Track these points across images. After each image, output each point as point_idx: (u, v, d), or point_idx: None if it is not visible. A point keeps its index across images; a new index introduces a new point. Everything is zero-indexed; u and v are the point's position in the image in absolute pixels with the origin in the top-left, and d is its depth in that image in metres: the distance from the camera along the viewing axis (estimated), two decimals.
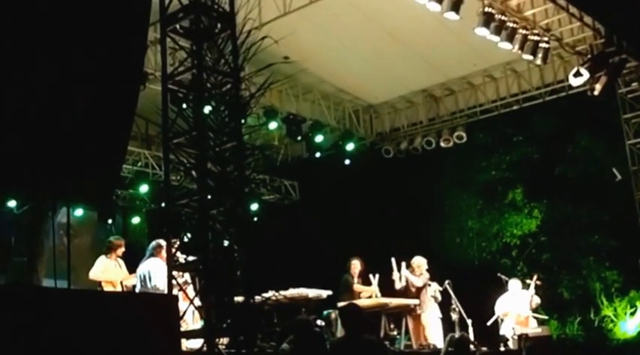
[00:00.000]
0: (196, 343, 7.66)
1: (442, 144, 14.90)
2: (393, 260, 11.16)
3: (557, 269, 16.08)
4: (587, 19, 11.96)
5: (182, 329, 7.26)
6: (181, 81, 7.51)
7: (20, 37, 6.54)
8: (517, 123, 15.91)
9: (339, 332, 9.91)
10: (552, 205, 16.44)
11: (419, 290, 11.13)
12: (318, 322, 9.91)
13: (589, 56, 12.21)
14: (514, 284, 11.95)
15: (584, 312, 15.97)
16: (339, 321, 10.29)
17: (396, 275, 11.10)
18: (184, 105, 7.41)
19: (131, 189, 14.44)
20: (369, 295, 10.98)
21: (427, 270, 11.25)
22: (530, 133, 16.58)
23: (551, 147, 16.46)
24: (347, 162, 15.01)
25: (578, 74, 12.06)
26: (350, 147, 14.91)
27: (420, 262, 11.28)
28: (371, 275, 11.10)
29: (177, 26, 7.43)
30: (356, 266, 11.24)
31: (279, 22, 10.78)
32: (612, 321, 15.26)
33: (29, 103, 6.66)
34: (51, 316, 5.18)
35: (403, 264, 11.17)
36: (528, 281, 11.95)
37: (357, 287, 11.10)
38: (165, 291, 7.51)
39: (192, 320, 8.82)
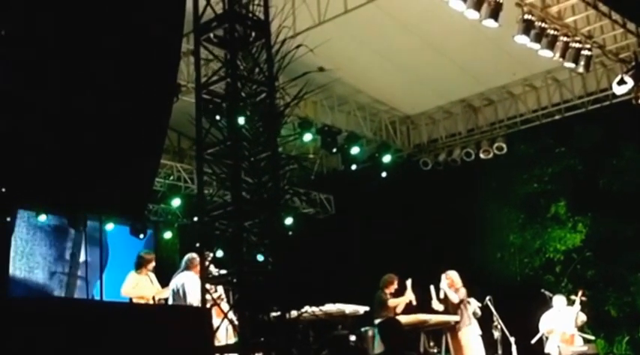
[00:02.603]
0: None
1: (482, 156, 14.81)
2: (432, 287, 11.11)
3: (603, 286, 15.84)
4: (631, 26, 11.83)
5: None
6: (215, 91, 7.59)
7: (54, 50, 6.66)
8: (559, 133, 15.76)
9: (376, 350, 9.88)
10: (597, 219, 16.23)
11: (457, 306, 11.07)
12: (352, 338, 9.89)
13: (633, 63, 12.09)
14: (559, 300, 11.85)
15: (632, 331, 15.74)
16: (375, 339, 10.29)
17: (435, 303, 11.04)
18: (218, 116, 7.49)
19: (163, 203, 14.56)
20: (404, 305, 10.96)
21: (464, 286, 11.20)
22: (573, 144, 16.41)
23: (594, 159, 16.25)
24: (384, 174, 14.97)
25: (622, 82, 11.96)
26: (387, 159, 14.87)
27: (454, 277, 11.23)
28: (407, 282, 11.06)
29: (212, 35, 7.52)
30: (391, 283, 11.21)
31: (314, 31, 10.81)
32: None
33: (62, 116, 6.77)
34: (83, 329, 5.24)
35: (443, 277, 11.11)
36: (573, 297, 11.84)
37: (392, 301, 11.07)
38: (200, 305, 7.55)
39: (225, 337, 8.83)
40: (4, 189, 7.91)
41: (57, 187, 6.98)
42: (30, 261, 12.91)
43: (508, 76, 13.96)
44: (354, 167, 14.87)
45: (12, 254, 12.44)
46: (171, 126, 11.40)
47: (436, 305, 11.02)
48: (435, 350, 10.83)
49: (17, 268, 12.71)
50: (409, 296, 11.07)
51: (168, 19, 7.25)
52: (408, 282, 11.09)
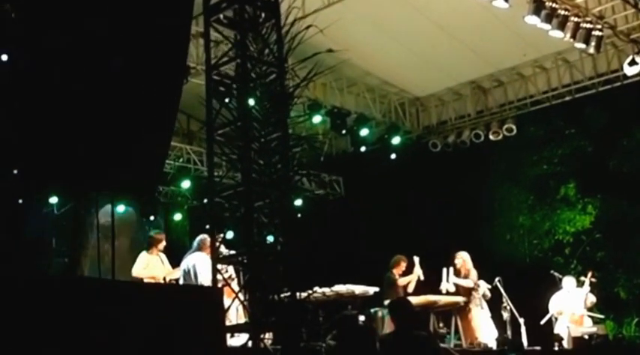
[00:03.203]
0: (238, 341, 7.77)
1: (491, 138, 14.80)
2: (444, 271, 11.14)
3: (612, 267, 15.86)
4: None
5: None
6: (225, 73, 7.63)
7: (64, 32, 6.70)
8: (569, 115, 15.73)
9: (386, 330, 9.94)
10: (607, 201, 16.22)
11: (468, 288, 11.12)
12: (361, 318, 9.95)
13: None
14: (569, 281, 11.88)
15: None
16: (385, 320, 10.35)
17: (444, 285, 11.09)
18: (228, 98, 7.52)
19: (173, 186, 14.59)
20: (415, 282, 11.03)
21: (474, 267, 11.25)
22: (583, 125, 16.38)
23: (605, 140, 16.23)
24: (393, 156, 14.98)
25: (633, 63, 11.94)
26: (396, 141, 14.88)
27: (464, 257, 11.27)
28: (415, 258, 11.13)
29: (221, 16, 7.54)
30: (400, 264, 11.27)
31: (323, 12, 10.82)
32: None
33: (73, 98, 6.82)
34: (95, 307, 5.29)
35: (452, 268, 11.16)
36: (583, 278, 11.87)
37: (402, 280, 11.13)
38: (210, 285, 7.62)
39: (235, 316, 8.91)
40: (15, 172, 7.99)
41: (69, 169, 7.05)
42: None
43: (518, 57, 13.92)
44: (363, 149, 14.87)
45: None
46: (180, 109, 11.44)
47: (445, 287, 11.06)
48: (445, 331, 10.88)
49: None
50: (417, 272, 11.13)
51: (177, 1, 7.28)
52: (416, 259, 11.15)
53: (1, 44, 7.01)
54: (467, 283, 11.07)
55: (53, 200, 12.87)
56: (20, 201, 12.00)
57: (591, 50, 11.82)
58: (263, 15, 7.55)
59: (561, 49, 13.35)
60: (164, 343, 5.58)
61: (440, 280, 11.11)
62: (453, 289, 11.07)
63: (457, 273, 11.16)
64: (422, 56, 13.46)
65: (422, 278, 11.09)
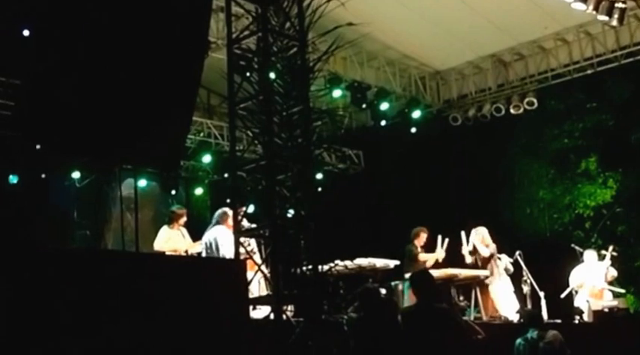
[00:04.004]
0: (260, 313, 7.85)
1: (512, 111, 14.73)
2: (462, 234, 11.19)
3: (633, 241, 15.81)
4: None
5: None
6: (246, 46, 7.63)
7: (91, 9, 6.74)
8: (591, 88, 15.58)
9: (406, 304, 9.99)
10: (628, 174, 16.12)
11: (487, 261, 11.14)
12: (382, 291, 10.00)
13: None
14: (589, 255, 11.87)
15: None
16: (405, 293, 10.41)
17: (465, 248, 11.14)
18: (249, 72, 7.53)
19: (194, 160, 14.64)
20: (434, 261, 11.05)
21: (493, 242, 11.28)
22: (605, 99, 16.25)
23: (627, 114, 16.08)
24: (413, 130, 14.94)
25: None
26: (416, 114, 14.84)
27: (484, 233, 11.30)
28: (439, 237, 11.15)
29: None
30: (421, 236, 11.32)
31: None
32: None
33: (98, 74, 6.86)
34: (118, 279, 5.36)
35: (472, 232, 11.19)
36: (604, 252, 11.85)
37: (422, 256, 11.17)
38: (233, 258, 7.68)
39: (257, 289, 8.98)
40: (38, 146, 8.07)
41: (93, 144, 7.11)
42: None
43: (540, 30, 13.81)
44: (383, 123, 14.83)
45: None
46: (201, 84, 11.48)
47: (465, 251, 11.10)
48: (465, 304, 10.92)
49: None
50: (439, 254, 11.15)
51: None
52: (439, 241, 11.15)
53: (25, 19, 7.05)
54: (484, 250, 11.11)
55: (75, 175, 12.99)
56: (43, 175, 12.15)
57: (614, 22, 11.71)
58: None
59: (583, 22, 13.22)
60: (188, 315, 5.65)
61: (460, 246, 11.15)
62: (472, 258, 11.09)
63: (475, 249, 11.20)
64: (442, 29, 13.39)
65: (440, 261, 11.09)
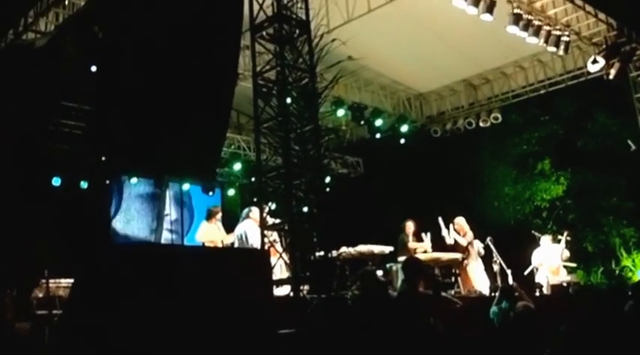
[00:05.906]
0: (282, 291, 7.83)
1: (481, 124, 14.64)
2: (440, 219, 11.15)
3: (581, 227, 15.77)
4: (601, 16, 11.66)
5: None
6: (267, 78, 7.63)
7: (145, 46, 6.75)
8: (544, 105, 15.63)
9: (399, 281, 9.93)
10: (576, 173, 16.16)
11: (465, 247, 11.10)
12: (379, 273, 9.94)
13: (604, 46, 11.84)
14: (546, 239, 11.79)
15: (606, 263, 15.67)
16: (398, 274, 10.33)
17: (444, 231, 11.08)
18: (270, 98, 7.54)
19: (227, 168, 14.66)
20: (422, 251, 10.99)
21: (470, 229, 11.22)
22: (556, 113, 16.26)
23: (573, 125, 16.12)
24: (402, 141, 14.85)
25: (595, 62, 11.75)
26: (404, 128, 14.74)
27: (462, 222, 11.26)
28: (423, 234, 11.10)
29: (264, 33, 7.54)
30: (410, 227, 11.24)
31: (344, 27, 10.73)
32: (631, 270, 14.96)
33: (151, 102, 6.89)
34: (171, 268, 5.34)
35: (451, 226, 11.14)
36: (559, 236, 11.78)
37: (412, 244, 11.10)
38: (259, 247, 7.68)
39: (279, 272, 8.95)
40: (104, 158, 8.07)
41: (147, 156, 7.13)
42: (127, 215, 13.13)
43: (501, 59, 13.74)
44: (378, 135, 14.76)
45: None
46: (232, 107, 11.49)
47: (445, 233, 11.04)
48: (448, 281, 10.86)
49: (118, 221, 12.94)
50: (426, 245, 11.08)
51: (230, 23, 7.30)
52: (427, 237, 11.07)
53: (91, 57, 7.08)
54: (462, 241, 11.07)
55: (134, 181, 12.96)
56: (107, 181, 12.15)
57: (561, 52, 11.70)
58: (297, 31, 7.56)
59: (536, 52, 13.15)
60: (227, 293, 5.62)
61: (439, 231, 11.11)
62: (451, 240, 11.03)
63: (456, 241, 11.15)
64: (424, 60, 13.35)
65: (430, 250, 11.00)
